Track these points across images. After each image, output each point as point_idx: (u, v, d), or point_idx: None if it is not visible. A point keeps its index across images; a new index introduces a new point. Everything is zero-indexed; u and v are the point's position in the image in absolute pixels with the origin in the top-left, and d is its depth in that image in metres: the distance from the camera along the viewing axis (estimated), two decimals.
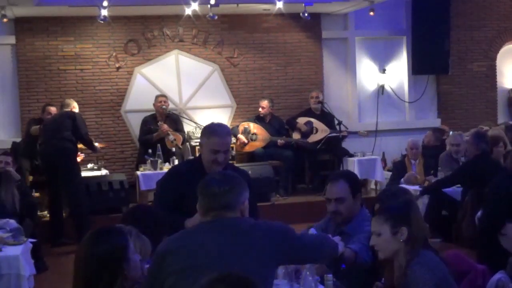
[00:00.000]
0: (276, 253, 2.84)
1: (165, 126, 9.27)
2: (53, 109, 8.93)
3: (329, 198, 3.86)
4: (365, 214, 3.87)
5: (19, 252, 5.26)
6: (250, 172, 8.79)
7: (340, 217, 3.85)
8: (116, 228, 2.83)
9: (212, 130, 3.98)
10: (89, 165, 9.23)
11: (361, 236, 3.63)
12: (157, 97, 9.58)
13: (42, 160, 8.30)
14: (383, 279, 3.38)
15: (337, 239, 3.36)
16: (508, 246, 3.92)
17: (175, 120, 9.62)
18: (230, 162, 8.42)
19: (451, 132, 9.19)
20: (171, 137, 9.23)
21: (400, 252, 3.15)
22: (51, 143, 8.10)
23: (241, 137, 9.83)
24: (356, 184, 3.93)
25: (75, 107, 8.71)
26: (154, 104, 9.50)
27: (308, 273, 3.15)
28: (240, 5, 9.48)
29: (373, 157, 9.90)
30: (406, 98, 11.27)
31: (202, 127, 9.89)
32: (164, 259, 2.79)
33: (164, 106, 9.44)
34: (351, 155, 9.82)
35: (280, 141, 9.78)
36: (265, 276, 2.81)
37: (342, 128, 9.63)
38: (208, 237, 2.80)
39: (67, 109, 8.53)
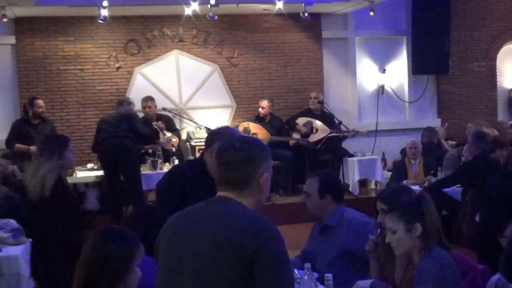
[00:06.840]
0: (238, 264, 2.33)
1: (160, 122, 9.19)
2: (41, 102, 8.91)
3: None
4: (349, 212, 3.98)
5: (19, 252, 5.24)
6: None
7: (308, 211, 4.00)
8: (128, 232, 2.59)
9: (231, 131, 4.01)
10: (89, 165, 9.19)
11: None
12: (142, 101, 9.37)
13: (103, 157, 8.29)
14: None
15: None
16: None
17: (166, 121, 9.42)
18: None
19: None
20: (167, 136, 9.11)
21: (415, 248, 3.16)
22: (111, 141, 8.11)
23: None
24: (327, 185, 3.97)
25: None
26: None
27: (307, 273, 3.15)
28: (240, 5, 9.48)
29: (373, 157, 9.89)
30: (406, 98, 11.27)
31: (202, 127, 9.76)
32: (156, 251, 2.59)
33: (149, 112, 9.26)
34: (351, 155, 9.81)
35: (292, 141, 9.77)
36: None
37: (343, 128, 9.61)
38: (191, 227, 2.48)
39: (124, 107, 8.65)
